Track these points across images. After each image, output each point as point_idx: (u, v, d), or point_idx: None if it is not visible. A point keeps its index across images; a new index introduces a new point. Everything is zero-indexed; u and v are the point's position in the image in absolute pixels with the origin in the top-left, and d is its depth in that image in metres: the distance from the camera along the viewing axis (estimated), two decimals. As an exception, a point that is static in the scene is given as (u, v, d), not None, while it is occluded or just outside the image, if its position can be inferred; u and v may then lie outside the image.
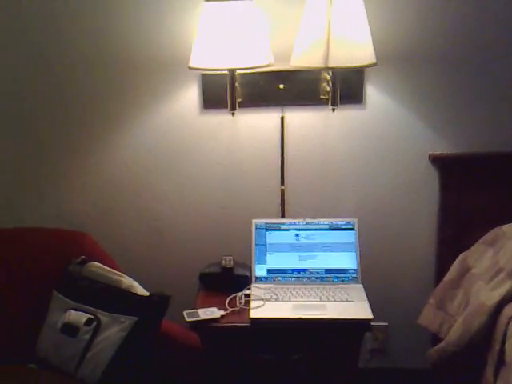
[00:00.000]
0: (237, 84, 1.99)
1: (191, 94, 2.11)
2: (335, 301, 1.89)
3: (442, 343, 1.88)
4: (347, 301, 1.89)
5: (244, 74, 2.01)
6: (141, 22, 2.05)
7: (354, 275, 2.00)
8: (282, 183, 2.15)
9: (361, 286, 1.97)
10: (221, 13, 1.83)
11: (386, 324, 2.28)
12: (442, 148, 2.14)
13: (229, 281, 2.00)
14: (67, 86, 2.13)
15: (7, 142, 2.19)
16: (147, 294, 1.82)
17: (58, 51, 2.10)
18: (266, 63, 1.89)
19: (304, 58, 1.88)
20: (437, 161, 2.15)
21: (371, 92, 2.10)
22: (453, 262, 2.04)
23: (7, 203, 2.24)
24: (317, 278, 2.00)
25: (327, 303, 1.88)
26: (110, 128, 2.16)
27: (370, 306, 1.86)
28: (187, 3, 2.01)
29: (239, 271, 2.01)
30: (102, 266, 1.89)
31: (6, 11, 2.07)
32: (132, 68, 2.09)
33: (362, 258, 2.00)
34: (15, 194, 2.24)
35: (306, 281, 2.00)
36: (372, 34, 1.86)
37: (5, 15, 2.07)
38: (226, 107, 2.01)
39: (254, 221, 2.03)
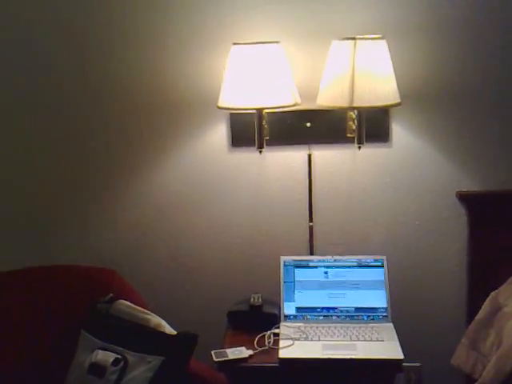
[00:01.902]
0: (264, 122, 2.02)
1: (220, 133, 2.14)
2: (365, 340, 1.87)
3: (476, 384, 1.83)
4: (377, 340, 1.87)
5: (271, 112, 2.04)
6: (171, 63, 2.10)
7: (384, 314, 1.97)
8: (311, 220, 2.15)
9: (391, 324, 1.95)
10: (248, 55, 1.88)
11: (419, 364, 2.23)
12: (470, 185, 2.13)
13: (257, 319, 1.98)
14: (99, 127, 2.18)
15: (38, 178, 2.23)
16: (175, 332, 1.80)
17: (92, 94, 2.15)
18: (292, 103, 1.92)
19: (329, 97, 1.90)
20: (464, 198, 2.14)
21: (397, 130, 2.11)
22: (484, 301, 2.00)
23: (37, 238, 2.27)
24: (346, 316, 1.98)
25: (357, 343, 1.85)
26: (140, 166, 2.19)
27: (401, 345, 1.83)
28: (216, 46, 2.06)
29: (268, 309, 2.00)
30: (130, 304, 1.88)
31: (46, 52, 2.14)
32: (162, 108, 2.14)
33: (392, 295, 1.98)
34: (46, 229, 2.27)
35: (335, 319, 1.98)
36: (396, 74, 1.89)
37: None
38: (254, 145, 2.04)
39: (282, 258, 2.03)
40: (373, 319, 1.97)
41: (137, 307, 1.87)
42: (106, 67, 2.13)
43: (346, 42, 1.84)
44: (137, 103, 2.14)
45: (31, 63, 2.14)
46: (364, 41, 1.84)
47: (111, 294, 1.90)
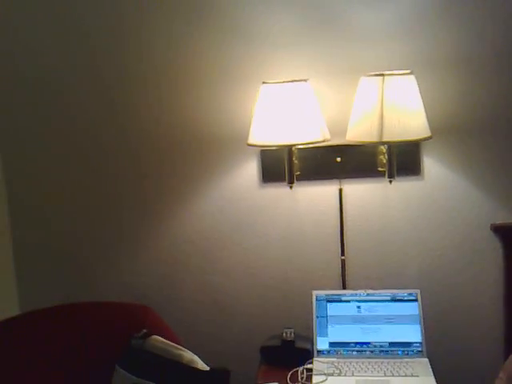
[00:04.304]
0: (294, 158, 2.05)
1: (250, 169, 2.18)
2: (400, 376, 1.84)
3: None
4: (412, 376, 1.84)
5: (301, 148, 2.07)
6: (202, 101, 2.15)
7: (419, 348, 1.94)
8: (343, 253, 2.15)
9: (426, 360, 1.92)
10: (278, 93, 1.91)
11: (455, 401, 2.18)
12: (504, 217, 2.10)
13: (290, 354, 1.98)
14: (131, 165, 2.23)
15: (75, 215, 2.29)
16: (207, 368, 1.81)
17: (123, 133, 2.22)
18: (321, 139, 1.94)
19: (359, 132, 1.92)
20: (499, 230, 2.11)
21: (428, 163, 2.11)
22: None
23: (72, 275, 2.32)
24: (380, 351, 1.96)
25: (392, 378, 1.83)
26: (174, 202, 2.23)
27: (437, 381, 1.80)
28: (245, 84, 2.11)
29: (300, 344, 1.99)
30: (164, 339, 1.90)
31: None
32: (194, 145, 2.18)
33: (427, 330, 1.96)
34: (81, 266, 2.32)
35: (369, 354, 1.96)
36: (426, 107, 1.90)
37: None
38: (285, 180, 2.07)
39: (314, 292, 2.03)
40: (407, 354, 1.95)
41: (170, 343, 1.89)
42: (136, 105, 2.19)
43: (375, 78, 1.87)
44: (169, 140, 2.20)
45: (60, 101, 2.22)
46: (392, 76, 1.86)
47: (145, 330, 1.92)
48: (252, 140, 1.97)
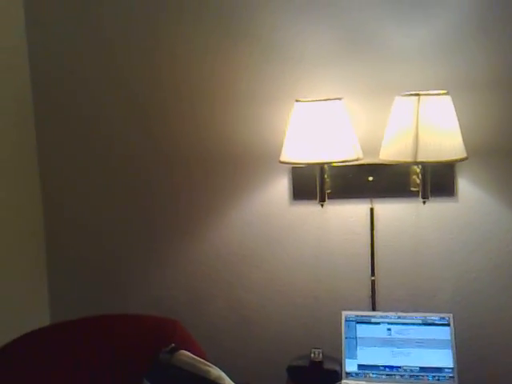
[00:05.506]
0: (326, 176, 2.05)
1: (281, 186, 2.17)
2: (430, 402, 1.80)
3: None
4: (443, 402, 1.80)
5: (333, 166, 2.06)
6: (236, 117, 2.17)
7: (451, 374, 1.89)
8: (373, 274, 2.13)
9: (458, 386, 1.87)
10: (311, 111, 1.91)
11: (487, 430, 2.11)
12: (541, 241, 2.05)
13: (318, 375, 1.95)
14: (164, 180, 2.26)
15: (106, 227, 2.33)
16: (235, 385, 1.81)
17: (156, 149, 2.25)
18: (354, 157, 1.93)
19: (393, 152, 1.90)
20: (536, 254, 2.06)
21: (463, 185, 2.08)
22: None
23: (100, 286, 2.35)
24: (411, 376, 1.91)
25: (422, 404, 1.79)
26: (205, 217, 2.24)
27: (469, 409, 1.75)
28: (278, 103, 2.12)
29: (329, 365, 1.96)
30: (191, 355, 1.90)
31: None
32: (226, 161, 2.20)
33: (459, 356, 1.90)
34: (108, 278, 2.35)
35: (398, 379, 1.92)
36: (462, 128, 1.87)
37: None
38: (316, 198, 2.06)
39: (343, 313, 2.00)
40: (438, 380, 1.90)
41: (198, 358, 1.87)
42: (169, 121, 2.22)
43: (410, 97, 1.85)
44: (201, 157, 2.21)
45: (97, 116, 2.27)
46: (428, 96, 1.84)
47: (173, 344, 1.92)
48: (284, 157, 1.97)
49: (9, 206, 2.18)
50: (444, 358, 1.91)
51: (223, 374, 1.84)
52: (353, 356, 1.96)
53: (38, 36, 2.26)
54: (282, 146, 1.98)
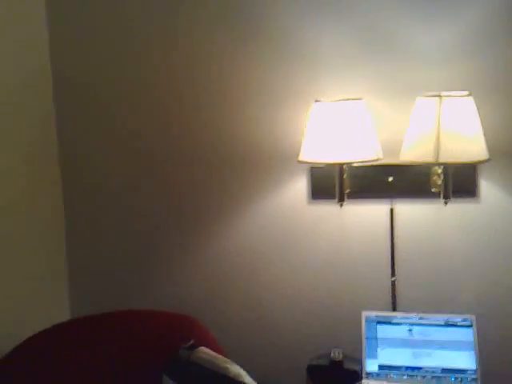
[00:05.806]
0: (345, 176, 2.05)
1: (300, 185, 2.18)
2: (453, 403, 1.77)
3: None
4: (466, 404, 1.77)
5: (352, 166, 2.06)
6: (255, 117, 2.19)
7: (473, 376, 1.86)
8: (393, 274, 2.11)
9: (481, 388, 1.84)
10: (330, 111, 1.92)
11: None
12: None
13: (338, 375, 1.93)
14: (184, 180, 2.28)
15: (128, 225, 2.35)
16: (254, 383, 1.79)
17: (177, 151, 2.28)
18: (374, 158, 1.93)
19: (414, 152, 1.90)
20: (560, 256, 2.03)
21: (485, 186, 2.06)
22: None
23: (121, 282, 2.37)
24: (433, 377, 1.88)
25: (444, 405, 1.76)
26: (223, 217, 2.26)
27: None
28: (298, 102, 2.13)
29: (349, 365, 1.94)
30: (211, 352, 1.89)
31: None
32: (245, 161, 2.21)
33: (482, 357, 1.87)
34: (128, 274, 2.37)
35: (420, 380, 1.89)
36: (485, 129, 1.86)
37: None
38: (335, 198, 2.06)
39: (363, 313, 1.98)
40: (461, 381, 1.87)
41: (217, 355, 1.87)
42: (189, 121, 2.25)
43: (431, 98, 1.86)
44: (220, 156, 2.23)
45: (119, 119, 2.31)
46: (450, 98, 1.84)
47: (192, 341, 1.92)
48: (303, 157, 1.98)
49: (30, 202, 2.21)
50: (467, 360, 1.88)
51: (243, 372, 1.83)
52: (373, 356, 1.93)
53: (60, 35, 2.29)
54: (300, 145, 1.99)
